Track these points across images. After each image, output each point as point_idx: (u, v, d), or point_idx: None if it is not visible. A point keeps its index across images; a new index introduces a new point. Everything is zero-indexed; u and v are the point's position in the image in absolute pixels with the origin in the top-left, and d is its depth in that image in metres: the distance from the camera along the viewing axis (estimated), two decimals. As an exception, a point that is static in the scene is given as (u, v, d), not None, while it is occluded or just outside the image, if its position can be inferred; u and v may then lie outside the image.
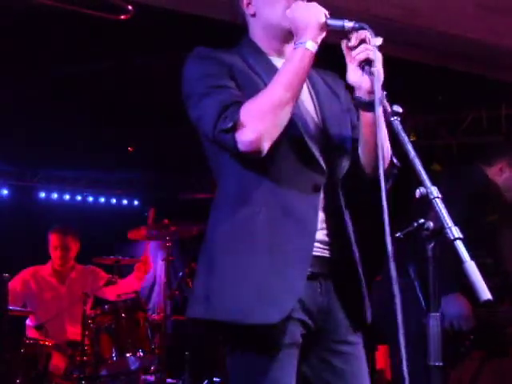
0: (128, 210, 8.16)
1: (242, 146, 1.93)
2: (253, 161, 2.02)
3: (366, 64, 1.93)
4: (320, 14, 2.02)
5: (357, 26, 1.95)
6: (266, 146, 1.94)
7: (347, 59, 2.01)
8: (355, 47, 1.94)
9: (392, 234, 1.95)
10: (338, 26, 2.00)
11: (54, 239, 5.22)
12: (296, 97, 2.02)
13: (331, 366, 2.10)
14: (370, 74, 1.92)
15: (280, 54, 2.21)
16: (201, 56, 2.14)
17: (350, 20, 1.98)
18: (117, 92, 5.16)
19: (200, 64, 2.13)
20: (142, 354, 4.52)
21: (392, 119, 1.86)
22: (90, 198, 8.02)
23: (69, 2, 3.05)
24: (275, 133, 1.96)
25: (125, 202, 8.25)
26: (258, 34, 2.25)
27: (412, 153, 1.80)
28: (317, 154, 2.09)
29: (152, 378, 4.84)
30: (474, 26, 4.25)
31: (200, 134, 2.14)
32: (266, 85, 2.07)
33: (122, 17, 3.02)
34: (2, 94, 4.86)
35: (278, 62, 2.17)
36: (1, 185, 6.11)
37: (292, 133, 2.03)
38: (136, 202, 8.26)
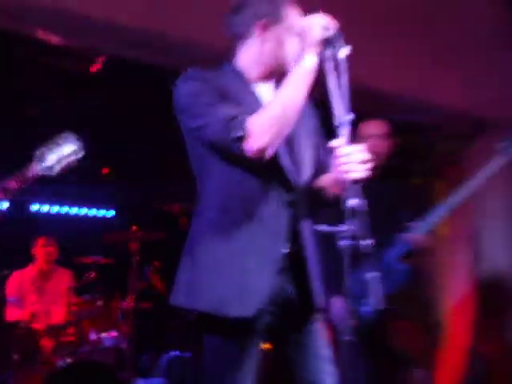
0: (105, 219, 8.39)
1: (249, 153, 1.94)
2: (234, 177, 2.07)
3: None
4: (318, 27, 1.98)
5: (337, 33, 1.95)
6: (270, 153, 1.95)
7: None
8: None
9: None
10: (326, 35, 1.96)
11: (42, 241, 5.69)
12: (297, 109, 1.99)
13: (296, 341, 2.17)
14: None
15: (263, 81, 2.20)
16: (194, 77, 2.11)
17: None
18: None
19: (194, 83, 2.09)
20: (114, 334, 4.98)
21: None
22: (74, 210, 8.11)
23: (44, 53, 3.09)
24: (279, 141, 1.97)
25: (102, 212, 8.36)
26: (250, 57, 2.19)
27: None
28: (288, 173, 2.10)
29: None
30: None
31: (193, 146, 2.13)
32: (248, 103, 2.08)
33: (92, 67, 2.97)
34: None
35: (258, 88, 2.17)
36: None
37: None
38: (111, 213, 8.41)
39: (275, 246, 2.04)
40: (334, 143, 1.86)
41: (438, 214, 3.61)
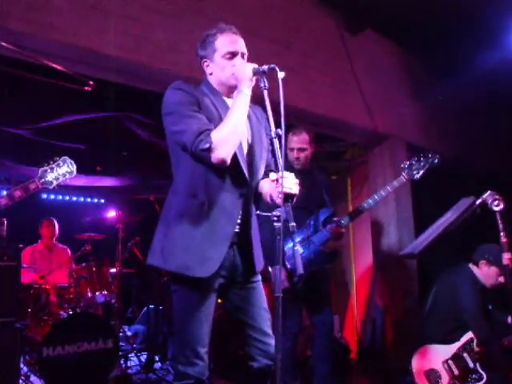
0: (95, 205, 8.34)
1: (214, 161, 2.05)
2: (202, 169, 2.11)
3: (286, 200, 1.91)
4: (249, 69, 2.11)
5: (271, 66, 2.04)
6: (229, 159, 2.07)
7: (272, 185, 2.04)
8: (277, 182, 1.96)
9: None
10: (260, 71, 2.07)
11: (46, 222, 5.98)
12: (243, 125, 2.13)
13: (241, 296, 2.26)
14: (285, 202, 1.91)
15: (228, 96, 2.30)
16: (181, 88, 2.18)
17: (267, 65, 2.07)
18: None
19: (181, 93, 2.15)
20: (105, 292, 5.04)
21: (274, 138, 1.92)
22: (74, 198, 8.17)
23: (45, 75, 2.89)
24: (234, 149, 2.09)
25: (95, 200, 8.38)
26: (212, 83, 2.32)
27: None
28: (245, 171, 2.19)
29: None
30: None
31: (172, 143, 2.19)
32: (219, 115, 2.17)
33: (86, 88, 2.82)
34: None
35: (227, 100, 2.30)
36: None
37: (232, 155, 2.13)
38: (102, 201, 8.44)
39: (229, 227, 2.16)
40: (274, 175, 2.00)
41: (351, 217, 3.76)
